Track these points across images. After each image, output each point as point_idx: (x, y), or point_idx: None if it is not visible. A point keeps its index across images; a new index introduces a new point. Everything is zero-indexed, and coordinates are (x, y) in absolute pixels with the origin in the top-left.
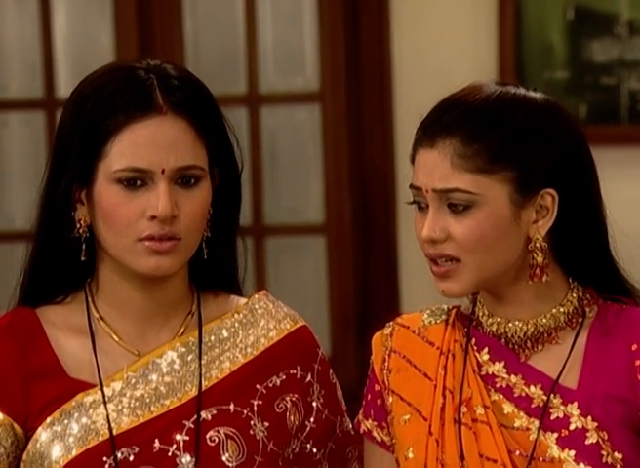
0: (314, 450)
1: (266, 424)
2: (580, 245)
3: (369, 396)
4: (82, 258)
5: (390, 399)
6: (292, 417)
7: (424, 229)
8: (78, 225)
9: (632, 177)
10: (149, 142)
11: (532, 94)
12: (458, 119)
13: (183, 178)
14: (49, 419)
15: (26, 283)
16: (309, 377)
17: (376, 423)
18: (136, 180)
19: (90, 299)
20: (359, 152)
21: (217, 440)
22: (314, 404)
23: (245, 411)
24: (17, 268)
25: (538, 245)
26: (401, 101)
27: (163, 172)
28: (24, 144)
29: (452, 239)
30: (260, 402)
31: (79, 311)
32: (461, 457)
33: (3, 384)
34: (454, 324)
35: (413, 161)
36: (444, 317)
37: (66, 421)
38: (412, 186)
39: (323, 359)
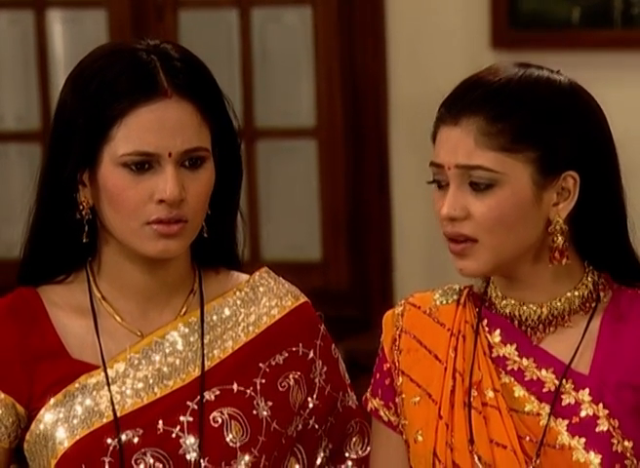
0: (316, 426)
1: (270, 403)
2: (599, 229)
3: (377, 375)
4: (84, 240)
5: (400, 379)
6: (295, 396)
7: (444, 207)
8: (81, 207)
9: (624, 81)
10: (156, 126)
11: (556, 76)
12: (482, 98)
13: (190, 160)
14: (52, 401)
15: (27, 261)
16: (312, 354)
17: (382, 402)
18: (143, 164)
19: (92, 279)
20: (350, 55)
21: (220, 421)
22: (317, 380)
23: (248, 391)
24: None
25: (558, 227)
26: (394, 5)
27: (170, 155)
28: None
29: (471, 218)
30: (264, 380)
31: (81, 291)
32: (471, 442)
33: (5, 365)
34: (465, 304)
35: (434, 139)
36: (455, 297)
37: (70, 403)
38: (433, 164)
39: (325, 334)
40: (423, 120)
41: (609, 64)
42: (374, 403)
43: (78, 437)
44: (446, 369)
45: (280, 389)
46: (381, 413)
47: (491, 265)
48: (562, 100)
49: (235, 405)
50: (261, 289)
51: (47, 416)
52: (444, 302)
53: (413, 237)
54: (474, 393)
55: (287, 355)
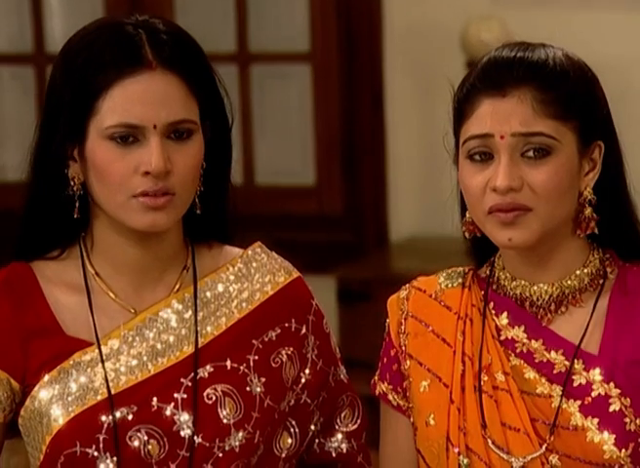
0: (308, 401)
1: (263, 380)
2: (606, 204)
3: (385, 359)
4: (75, 216)
5: (408, 363)
6: (288, 371)
7: (502, 179)
8: (72, 183)
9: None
10: (140, 98)
11: (568, 52)
12: (532, 69)
13: (176, 133)
14: (47, 377)
15: (20, 237)
16: (304, 330)
17: (391, 387)
18: (128, 136)
19: (85, 255)
20: None
21: (214, 397)
22: (309, 356)
23: (241, 368)
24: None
25: (590, 197)
26: None
27: (155, 127)
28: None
29: (528, 187)
30: (257, 357)
31: (74, 267)
32: (483, 426)
33: (0, 340)
34: (470, 287)
35: (462, 113)
36: (460, 280)
37: (65, 380)
38: (476, 136)
39: (317, 310)
40: (418, 44)
41: None
42: (382, 387)
43: (73, 414)
44: (455, 352)
45: (273, 365)
46: (390, 398)
47: (539, 234)
48: (588, 73)
49: (229, 381)
50: (254, 264)
51: (41, 393)
52: (449, 286)
53: (407, 162)
54: (484, 377)
55: (279, 331)
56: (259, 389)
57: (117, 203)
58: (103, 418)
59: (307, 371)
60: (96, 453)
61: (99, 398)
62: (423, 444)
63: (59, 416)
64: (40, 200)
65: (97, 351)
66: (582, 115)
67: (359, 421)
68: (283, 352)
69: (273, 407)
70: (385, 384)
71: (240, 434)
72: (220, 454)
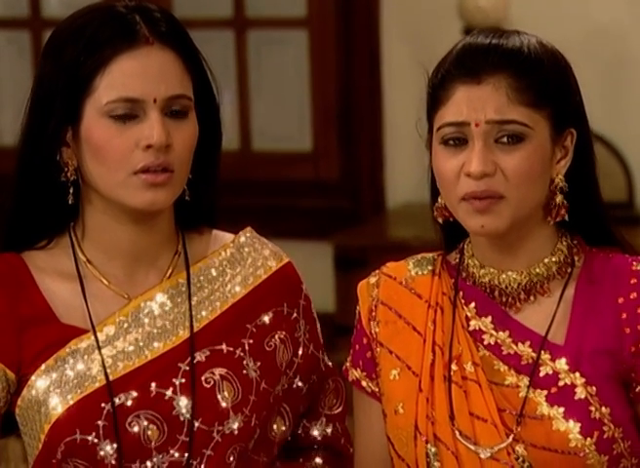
0: (300, 384)
1: (258, 363)
2: (575, 191)
3: (357, 346)
4: (70, 202)
5: (378, 350)
6: (282, 355)
7: (476, 165)
8: (66, 168)
9: None
10: (139, 72)
11: (542, 39)
12: (506, 56)
13: (173, 110)
14: (43, 366)
15: (8, 226)
16: (295, 314)
17: (365, 373)
18: (126, 113)
19: (76, 243)
20: None
21: (212, 382)
22: (301, 339)
23: (237, 351)
24: None
25: (561, 185)
26: None
27: (155, 101)
28: None
29: (501, 173)
30: (251, 341)
31: (65, 256)
32: (452, 417)
33: None
34: (440, 275)
35: (437, 100)
36: (430, 267)
37: (62, 368)
38: (451, 124)
39: (307, 294)
40: (415, 10)
41: None
42: (355, 374)
43: (72, 402)
44: (425, 341)
45: (267, 349)
46: (364, 384)
47: (511, 222)
48: (561, 61)
49: (226, 365)
50: (246, 249)
51: (39, 382)
52: (419, 273)
53: (403, 128)
54: (454, 367)
55: (272, 315)
56: (254, 373)
57: (117, 181)
58: (103, 405)
59: (300, 355)
60: (96, 440)
61: (97, 385)
62: (393, 431)
63: (57, 404)
64: (30, 188)
65: (92, 338)
66: (556, 102)
67: (342, 405)
68: (276, 336)
69: (268, 390)
70: (359, 371)
71: (239, 418)
72: (220, 439)
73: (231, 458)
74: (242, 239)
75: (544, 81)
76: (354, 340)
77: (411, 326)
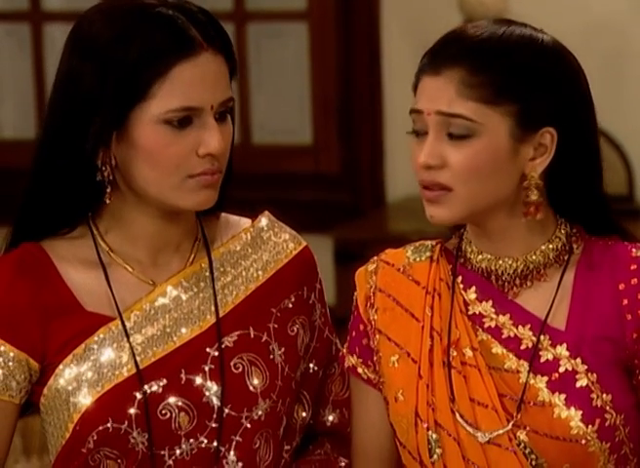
0: (316, 368)
1: (282, 349)
2: (574, 184)
3: (353, 333)
4: (107, 201)
5: (377, 338)
6: (302, 340)
7: (422, 155)
8: (103, 168)
9: None
10: (199, 81)
11: (539, 34)
12: (465, 49)
13: (220, 113)
14: (71, 355)
15: (24, 215)
16: (313, 297)
17: (361, 360)
18: (185, 119)
19: (97, 233)
20: None
21: (241, 367)
22: (316, 323)
23: (264, 336)
24: None
25: (533, 182)
26: None
27: (212, 108)
28: None
29: (447, 167)
30: (276, 325)
31: (86, 245)
32: (452, 401)
33: (18, 321)
34: (438, 261)
35: (415, 89)
36: (428, 254)
37: (91, 357)
38: (412, 110)
39: (320, 278)
40: (415, 3)
41: None
42: (351, 360)
43: (102, 391)
44: (423, 327)
45: (290, 333)
46: (360, 371)
47: (462, 214)
48: (543, 58)
49: (253, 350)
50: (267, 233)
51: (66, 371)
52: (417, 259)
53: (403, 122)
54: (453, 352)
55: (294, 299)
56: (279, 358)
57: (169, 185)
58: (134, 393)
59: (316, 339)
60: (128, 429)
61: (127, 373)
62: (395, 419)
63: (87, 394)
64: (53, 181)
65: (120, 326)
66: (523, 100)
67: (348, 391)
68: (297, 321)
69: (291, 375)
70: (355, 357)
71: (267, 403)
72: (249, 425)
73: (257, 444)
74: (262, 223)
75: (507, 77)
76: (351, 327)
77: (409, 312)
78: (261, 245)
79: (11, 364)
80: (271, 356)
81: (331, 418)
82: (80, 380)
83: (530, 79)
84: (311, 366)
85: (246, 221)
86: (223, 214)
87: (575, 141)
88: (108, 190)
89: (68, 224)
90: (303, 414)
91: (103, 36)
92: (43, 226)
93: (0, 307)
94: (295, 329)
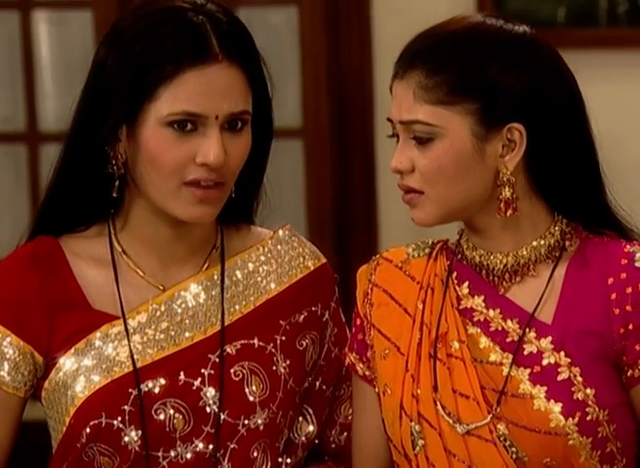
0: (324, 387)
1: (288, 361)
2: (563, 179)
3: (353, 329)
4: (114, 195)
5: (372, 333)
6: (310, 355)
7: (392, 161)
8: (113, 161)
9: (609, 80)
10: (205, 89)
11: (509, 26)
12: (423, 51)
13: (231, 123)
14: (73, 349)
15: (49, 211)
16: (327, 315)
17: (358, 356)
18: (187, 124)
19: (113, 233)
20: (336, 56)
21: (241, 375)
22: (326, 341)
23: (269, 347)
24: None
25: (505, 179)
26: (379, 5)
27: (217, 118)
28: None
29: (416, 171)
30: (284, 338)
31: (101, 244)
32: (435, 391)
33: (26, 314)
34: (436, 257)
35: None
36: (427, 251)
37: (91, 352)
38: (387, 119)
39: (337, 297)
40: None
41: (594, 63)
42: (350, 357)
43: (98, 386)
44: (414, 321)
45: (298, 348)
46: (357, 368)
47: (438, 216)
48: (507, 52)
49: (256, 360)
50: (285, 246)
51: (67, 364)
52: (416, 256)
53: (400, 240)
54: (439, 345)
55: (306, 314)
56: (283, 370)
57: (167, 190)
58: (130, 390)
59: (323, 357)
60: (121, 425)
61: (125, 370)
62: (385, 413)
63: (84, 388)
64: (76, 176)
65: (122, 324)
66: (481, 98)
67: None
68: (308, 336)
69: (295, 389)
70: (354, 354)
71: (265, 413)
72: (245, 433)
73: (255, 454)
74: (280, 235)
75: (460, 76)
76: (352, 324)
77: (402, 307)
78: (277, 258)
79: (17, 356)
80: (274, 367)
81: (337, 441)
82: (78, 374)
83: (485, 75)
84: (317, 383)
85: (267, 233)
86: (247, 226)
87: (553, 135)
88: (116, 184)
89: (85, 222)
90: (310, 429)
91: (129, 31)
92: (61, 222)
93: (9, 299)
94: (304, 343)
